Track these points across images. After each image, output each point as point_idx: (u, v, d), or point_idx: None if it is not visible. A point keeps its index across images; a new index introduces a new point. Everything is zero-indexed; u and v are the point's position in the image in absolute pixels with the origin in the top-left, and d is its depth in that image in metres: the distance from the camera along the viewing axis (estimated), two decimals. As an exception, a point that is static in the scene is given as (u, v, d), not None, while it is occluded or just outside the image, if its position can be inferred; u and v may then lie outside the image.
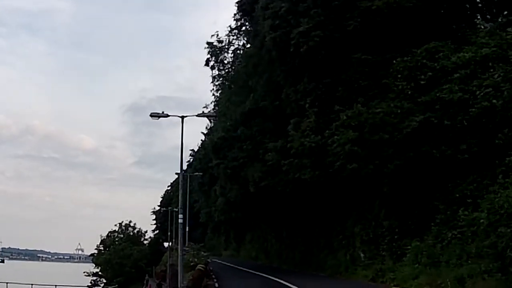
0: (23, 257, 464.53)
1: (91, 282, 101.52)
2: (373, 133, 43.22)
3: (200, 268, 42.84)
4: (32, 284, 52.34)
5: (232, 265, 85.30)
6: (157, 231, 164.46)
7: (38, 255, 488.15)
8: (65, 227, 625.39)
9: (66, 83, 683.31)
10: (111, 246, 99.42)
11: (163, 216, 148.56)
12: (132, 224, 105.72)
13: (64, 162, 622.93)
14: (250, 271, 66.55)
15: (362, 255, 50.33)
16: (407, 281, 37.11)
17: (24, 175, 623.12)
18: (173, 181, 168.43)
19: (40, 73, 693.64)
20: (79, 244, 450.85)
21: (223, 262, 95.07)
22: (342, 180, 48.09)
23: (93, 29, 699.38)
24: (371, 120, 43.65)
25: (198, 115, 45.50)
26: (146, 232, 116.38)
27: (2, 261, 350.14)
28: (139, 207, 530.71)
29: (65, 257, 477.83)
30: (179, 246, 43.84)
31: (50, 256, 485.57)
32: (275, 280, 49.31)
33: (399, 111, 43.19)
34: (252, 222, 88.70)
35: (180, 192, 41.28)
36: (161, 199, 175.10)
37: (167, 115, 44.38)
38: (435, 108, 41.07)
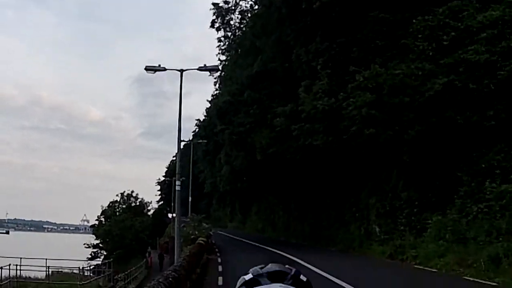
0: (28, 228, 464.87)
1: (91, 254, 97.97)
2: (392, 95, 40.06)
3: (201, 242, 39.22)
4: (21, 258, 48.76)
5: (237, 237, 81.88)
6: (162, 202, 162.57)
7: (44, 226, 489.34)
8: (72, 198, 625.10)
9: (74, 54, 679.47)
10: (112, 217, 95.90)
11: (167, 186, 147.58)
12: (134, 194, 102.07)
13: (71, 134, 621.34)
14: (256, 244, 62.97)
15: (377, 229, 46.77)
16: (431, 259, 33.66)
17: (30, 147, 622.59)
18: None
19: (48, 44, 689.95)
20: (84, 215, 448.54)
21: (228, 235, 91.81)
22: (357, 147, 44.51)
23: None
24: (390, 81, 40.39)
25: (199, 69, 41.15)
26: (150, 203, 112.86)
27: (7, 232, 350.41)
28: (145, 178, 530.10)
29: (71, 228, 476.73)
30: (176, 217, 39.47)
31: (55, 227, 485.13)
32: (283, 255, 45.63)
33: (420, 73, 39.99)
34: (258, 192, 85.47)
35: (178, 157, 36.76)
36: (166, 169, 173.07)
37: (164, 69, 40.77)
38: (459, 71, 37.90)
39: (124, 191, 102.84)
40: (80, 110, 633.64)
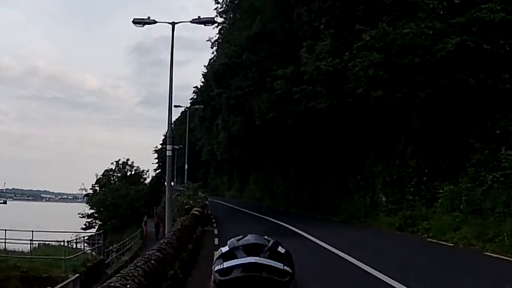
0: (26, 198, 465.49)
1: (85, 224, 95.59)
2: (401, 56, 37.67)
3: (195, 212, 36.60)
4: (5, 230, 46.29)
5: (235, 207, 79.33)
6: (159, 170, 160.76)
7: (42, 195, 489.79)
8: (70, 167, 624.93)
9: (71, 24, 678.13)
10: (106, 186, 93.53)
11: (164, 154, 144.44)
12: (130, 163, 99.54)
13: (68, 103, 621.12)
14: (255, 214, 60.60)
15: (383, 198, 44.25)
16: (445, 232, 31.13)
17: (28, 116, 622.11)
18: (176, 119, 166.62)
19: (45, 14, 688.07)
20: (82, 184, 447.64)
21: (225, 204, 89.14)
22: (363, 111, 41.91)
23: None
24: (399, 41, 37.92)
25: (192, 21, 37.93)
26: (147, 171, 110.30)
27: (5, 202, 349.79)
28: (144, 147, 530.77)
29: (69, 197, 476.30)
30: (167, 186, 36.56)
31: (53, 197, 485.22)
32: (284, 226, 43.13)
33: (430, 32, 37.36)
34: (257, 160, 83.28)
35: (168, 118, 33.33)
36: (163, 137, 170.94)
37: (154, 21, 37.02)
38: (472, 31, 35.50)
39: (119, 159, 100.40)
40: (78, 79, 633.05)
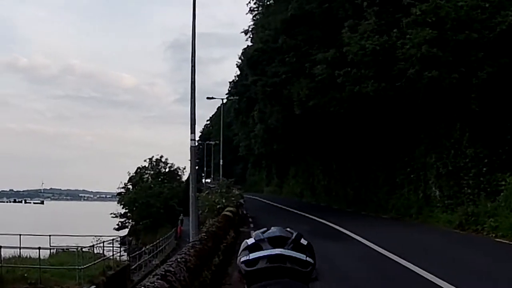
0: (65, 197, 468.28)
1: (118, 225, 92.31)
2: (456, 31, 33.99)
3: (227, 213, 32.71)
4: (20, 235, 42.75)
5: (273, 203, 75.28)
6: (197, 167, 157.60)
7: (80, 195, 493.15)
8: (107, 166, 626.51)
9: (106, 22, 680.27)
10: (138, 184, 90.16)
11: (202, 151, 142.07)
12: (163, 159, 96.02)
13: (104, 101, 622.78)
14: (295, 211, 56.59)
15: (437, 193, 40.02)
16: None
17: (64, 115, 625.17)
18: (213, 115, 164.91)
19: (80, 12, 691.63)
20: (121, 182, 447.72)
21: (263, 200, 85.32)
22: (413, 95, 37.82)
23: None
24: (453, 14, 33.96)
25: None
26: (184, 168, 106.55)
27: (42, 202, 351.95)
28: (181, 144, 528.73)
29: (107, 196, 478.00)
30: (190, 183, 31.41)
31: (92, 196, 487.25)
32: (328, 225, 39.09)
33: (487, 5, 34.28)
34: (296, 154, 79.43)
35: (191, 102, 27.65)
36: (200, 134, 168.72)
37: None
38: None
39: (153, 156, 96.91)
40: (113, 77, 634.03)
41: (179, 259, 10.91)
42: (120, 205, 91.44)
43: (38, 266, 33.88)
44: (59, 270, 34.51)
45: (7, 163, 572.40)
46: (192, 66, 25.87)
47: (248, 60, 56.24)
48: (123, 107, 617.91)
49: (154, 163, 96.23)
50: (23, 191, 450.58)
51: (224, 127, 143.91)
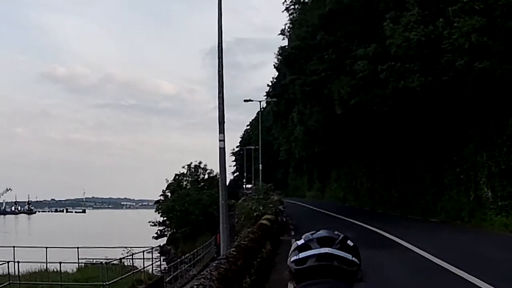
0: (107, 206, 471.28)
1: (157, 233, 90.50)
2: (507, 18, 31.25)
3: (264, 222, 30.49)
4: (46, 247, 40.78)
5: (315, 208, 73.08)
6: (237, 173, 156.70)
7: (122, 203, 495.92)
8: (149, 173, 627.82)
9: (143, 30, 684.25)
10: (176, 191, 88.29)
11: (241, 157, 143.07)
12: (202, 165, 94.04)
13: (144, 109, 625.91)
14: (338, 216, 54.31)
15: (490, 194, 37.50)
16: None
17: (105, 124, 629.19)
18: (253, 119, 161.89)
19: (116, 21, 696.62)
20: (162, 190, 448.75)
21: (305, 205, 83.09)
22: (462, 89, 35.34)
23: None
24: (503, 0, 31.46)
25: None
26: None
27: (83, 211, 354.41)
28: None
29: (150, 203, 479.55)
30: (220, 190, 27.00)
31: (134, 204, 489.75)
32: (374, 231, 36.64)
33: None
34: (338, 157, 76.95)
35: (218, 98, 23.48)
36: (240, 139, 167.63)
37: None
38: None
39: (191, 163, 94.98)
40: (153, 85, 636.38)
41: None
42: (158, 213, 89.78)
43: (60, 283, 31.70)
44: (82, 286, 32.35)
45: (48, 173, 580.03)
46: (219, 57, 23.63)
47: (285, 59, 54.09)
48: (164, 114, 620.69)
49: (193, 169, 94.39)
50: (65, 200, 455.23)
51: (264, 131, 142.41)
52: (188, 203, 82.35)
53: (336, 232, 3.31)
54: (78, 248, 41.31)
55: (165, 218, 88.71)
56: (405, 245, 27.22)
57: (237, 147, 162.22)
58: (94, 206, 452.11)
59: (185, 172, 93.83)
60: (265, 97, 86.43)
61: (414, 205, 51.87)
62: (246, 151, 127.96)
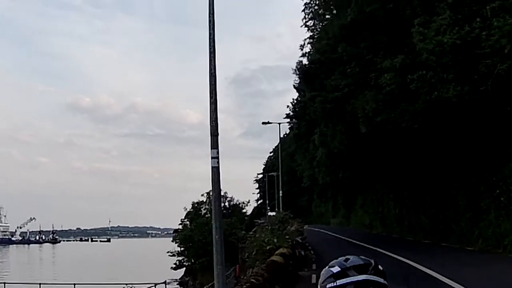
0: (132, 235, 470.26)
1: (175, 263, 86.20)
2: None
3: (276, 259, 26.12)
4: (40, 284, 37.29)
5: (340, 236, 68.44)
6: (261, 200, 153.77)
7: (148, 231, 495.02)
8: (174, 202, 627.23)
9: (166, 59, 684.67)
10: (194, 220, 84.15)
11: (265, 184, 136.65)
12: (223, 193, 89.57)
13: (169, 138, 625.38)
14: (365, 245, 49.91)
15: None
16: None
17: (130, 153, 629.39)
18: (275, 146, 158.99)
19: (139, 50, 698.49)
20: (181, 218, 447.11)
21: (329, 233, 78.56)
22: (503, 98, 30.96)
23: (189, 1, 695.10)
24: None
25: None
26: (248, 202, 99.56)
27: (108, 240, 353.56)
28: (247, 178, 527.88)
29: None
30: (213, 221, 21.36)
31: (160, 232, 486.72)
32: (406, 263, 32.07)
33: None
34: (363, 182, 73.13)
35: (210, 104, 19.47)
36: (263, 166, 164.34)
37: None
38: None
39: (210, 190, 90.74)
40: (177, 114, 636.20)
41: None
42: (175, 242, 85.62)
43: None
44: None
45: (74, 202, 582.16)
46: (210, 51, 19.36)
47: (304, 74, 49.94)
48: (189, 143, 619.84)
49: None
50: (90, 229, 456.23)
51: (287, 158, 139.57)
52: (206, 233, 78.01)
53: (365, 258, 3.59)
54: (74, 285, 37.87)
55: (183, 248, 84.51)
56: (444, 281, 22.76)
57: (260, 173, 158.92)
58: (120, 234, 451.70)
59: (204, 200, 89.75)
60: (286, 119, 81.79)
61: (447, 232, 47.24)
62: (269, 178, 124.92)
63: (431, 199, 52.46)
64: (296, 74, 55.73)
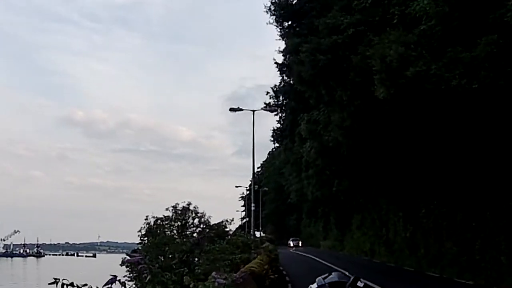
0: (121, 251, 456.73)
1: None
2: None
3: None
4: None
5: (331, 265, 49.82)
6: (247, 218, 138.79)
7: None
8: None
9: (162, 75, 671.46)
10: (149, 240, 66.82)
11: (251, 201, 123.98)
12: (192, 207, 72.31)
13: (163, 154, 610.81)
14: (371, 285, 32.27)
15: None
16: None
17: (123, 169, 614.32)
18: (264, 161, 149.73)
19: (136, 66, 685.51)
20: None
21: (318, 259, 58.93)
22: None
23: (187, 19, 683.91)
24: None
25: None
26: (232, 220, 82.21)
27: (94, 256, 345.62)
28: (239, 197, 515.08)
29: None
30: None
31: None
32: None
33: None
34: (363, 196, 58.16)
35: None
36: (250, 182, 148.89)
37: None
38: None
39: (177, 204, 72.74)
40: (171, 131, 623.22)
41: None
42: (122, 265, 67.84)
43: None
44: None
45: (64, 216, 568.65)
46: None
47: (287, 13, 32.11)
48: (183, 160, 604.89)
49: (179, 212, 72.30)
50: (79, 244, 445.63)
51: (275, 173, 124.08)
52: (167, 254, 60.25)
53: (346, 274, 4.15)
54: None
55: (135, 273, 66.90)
56: None
57: (247, 189, 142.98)
58: (109, 250, 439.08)
59: (170, 216, 72.07)
60: (264, 107, 62.73)
61: (488, 266, 31.04)
62: (255, 194, 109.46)
63: (461, 219, 35.40)
64: (273, 14, 36.51)
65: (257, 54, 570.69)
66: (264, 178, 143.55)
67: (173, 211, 72.36)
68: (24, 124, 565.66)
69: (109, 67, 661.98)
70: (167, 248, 56.68)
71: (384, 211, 55.63)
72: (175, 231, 70.68)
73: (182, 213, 72.72)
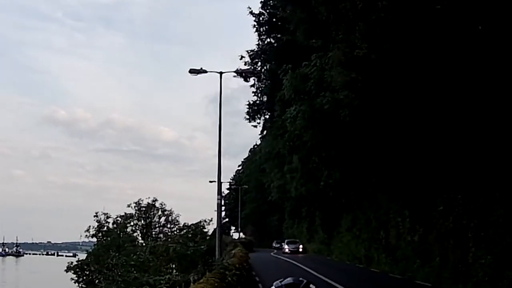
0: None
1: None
2: None
3: None
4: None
5: (317, 274, 38.62)
6: (227, 219, 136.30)
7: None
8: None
9: (145, 75, 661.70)
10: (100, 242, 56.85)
11: (233, 199, 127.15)
12: (158, 204, 61.56)
13: (145, 155, 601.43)
14: None
15: None
16: None
17: (104, 169, 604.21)
18: (244, 159, 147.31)
19: (119, 65, 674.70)
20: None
21: (301, 266, 48.13)
22: None
23: (170, 19, 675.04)
24: None
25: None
26: (211, 220, 71.76)
27: (74, 255, 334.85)
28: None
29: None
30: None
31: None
32: None
33: None
34: (355, 191, 47.91)
35: None
36: (230, 181, 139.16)
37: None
38: None
39: (140, 200, 62.04)
40: (154, 131, 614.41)
41: None
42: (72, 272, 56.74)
43: None
44: None
45: (46, 216, 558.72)
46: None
47: None
48: (165, 160, 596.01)
49: (143, 209, 61.47)
50: (61, 243, 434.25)
51: (256, 171, 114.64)
52: (118, 260, 48.47)
53: (300, 278, 4.59)
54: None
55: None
56: None
57: (227, 188, 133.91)
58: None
59: (133, 214, 61.38)
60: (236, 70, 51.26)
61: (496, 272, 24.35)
62: (236, 193, 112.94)
63: (505, 216, 24.98)
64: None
65: (239, 56, 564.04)
66: (244, 176, 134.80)
67: (136, 208, 61.77)
68: (5, 122, 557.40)
69: (91, 65, 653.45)
70: (123, 252, 45.96)
71: (383, 210, 44.54)
72: (138, 232, 60.17)
73: (147, 211, 62.10)
